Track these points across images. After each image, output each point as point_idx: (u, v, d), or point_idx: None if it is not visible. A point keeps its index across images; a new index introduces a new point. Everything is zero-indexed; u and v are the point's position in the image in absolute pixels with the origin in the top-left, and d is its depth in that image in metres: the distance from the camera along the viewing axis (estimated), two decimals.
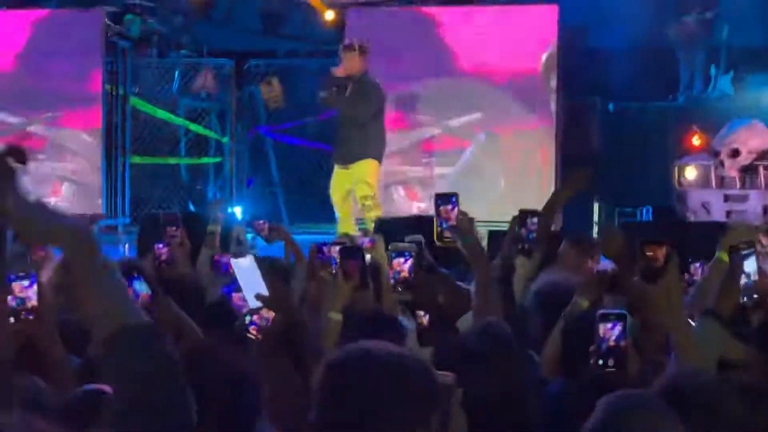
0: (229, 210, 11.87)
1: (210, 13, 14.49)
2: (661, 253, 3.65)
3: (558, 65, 11.96)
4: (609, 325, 3.04)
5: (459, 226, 3.97)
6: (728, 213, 10.98)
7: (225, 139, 13.30)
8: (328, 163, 13.07)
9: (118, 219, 12.41)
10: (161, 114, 13.12)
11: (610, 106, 13.09)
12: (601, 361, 3.03)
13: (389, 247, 4.42)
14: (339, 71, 9.75)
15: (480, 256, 3.95)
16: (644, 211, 12.07)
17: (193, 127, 13.35)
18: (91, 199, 12.27)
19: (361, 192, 9.50)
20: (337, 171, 9.90)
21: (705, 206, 11.08)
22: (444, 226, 4.01)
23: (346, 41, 10.12)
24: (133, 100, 12.88)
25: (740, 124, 11.27)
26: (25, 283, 3.22)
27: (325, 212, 13.11)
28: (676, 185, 11.49)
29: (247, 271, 3.43)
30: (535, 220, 4.30)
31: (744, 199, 11.10)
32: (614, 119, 13.11)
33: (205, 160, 13.49)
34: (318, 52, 13.38)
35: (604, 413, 2.39)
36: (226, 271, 4.74)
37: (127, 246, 10.07)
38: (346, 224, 9.63)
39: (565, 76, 12.05)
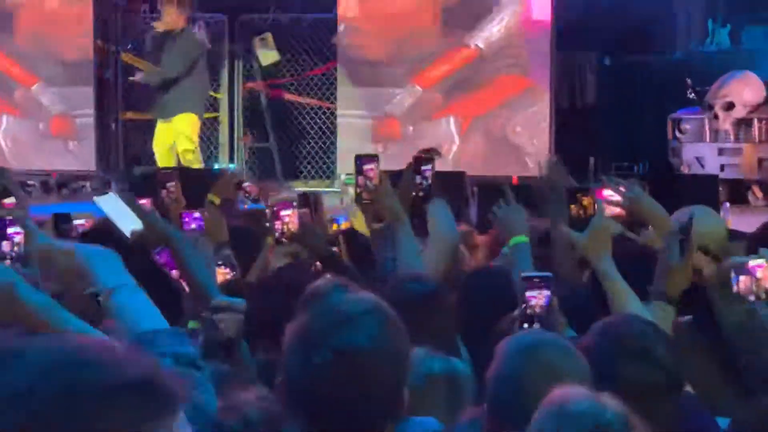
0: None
1: None
2: (589, 201, 3.78)
3: (552, 18, 11.88)
4: (535, 291, 3.00)
5: (378, 186, 4.02)
6: (722, 166, 10.95)
7: (219, 95, 13.22)
8: (322, 119, 13.16)
9: (111, 175, 12.37)
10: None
11: (606, 60, 13.01)
12: (525, 325, 2.99)
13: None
14: (159, 25, 10.01)
15: (399, 214, 3.99)
16: (640, 165, 12.06)
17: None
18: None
19: (182, 146, 9.72)
20: (159, 125, 10.08)
21: (699, 160, 11.05)
22: (369, 186, 4.06)
23: None
24: (126, 57, 12.78)
25: (734, 76, 11.20)
26: None
27: (319, 169, 13.17)
28: (670, 139, 11.46)
29: (113, 206, 3.47)
30: (430, 167, 4.28)
31: (738, 152, 11.07)
32: (610, 73, 13.04)
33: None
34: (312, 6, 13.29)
35: (508, 354, 2.38)
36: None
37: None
38: None
39: (559, 30, 11.96)
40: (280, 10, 13.52)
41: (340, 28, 12.44)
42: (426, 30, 12.27)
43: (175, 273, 3.49)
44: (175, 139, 9.93)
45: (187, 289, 3.31)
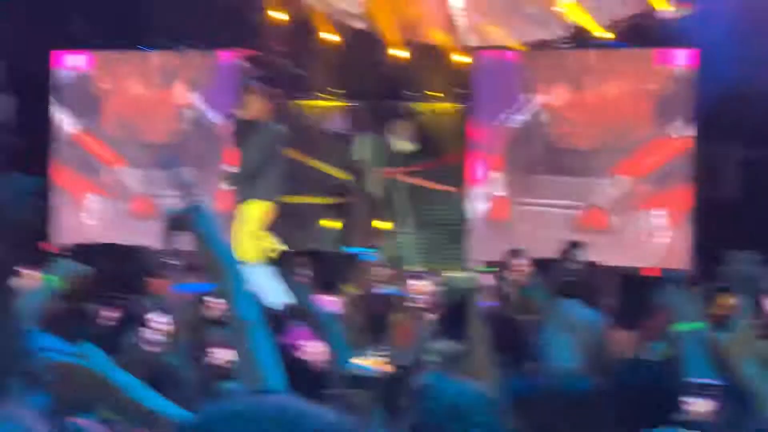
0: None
1: (346, 56, 14.58)
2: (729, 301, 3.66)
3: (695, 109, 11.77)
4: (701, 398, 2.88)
5: (526, 281, 4.06)
6: None
7: (353, 179, 13.34)
8: (450, 203, 13.16)
9: None
10: (292, 153, 13.23)
11: (748, 153, 12.72)
12: None
13: None
14: (241, 114, 9.89)
15: (547, 308, 4.02)
16: None
17: (322, 166, 13.43)
18: None
19: (249, 227, 9.78)
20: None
21: None
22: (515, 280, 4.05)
23: (247, 84, 10.34)
24: None
25: None
26: None
27: (450, 255, 13.12)
28: None
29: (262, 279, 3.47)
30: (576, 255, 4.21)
31: None
32: (752, 166, 12.74)
33: (333, 200, 13.53)
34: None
35: None
36: None
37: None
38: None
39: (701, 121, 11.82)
40: (414, 98, 13.65)
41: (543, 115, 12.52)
42: (636, 119, 12.22)
43: (305, 350, 3.50)
44: (245, 222, 10.01)
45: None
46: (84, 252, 10.55)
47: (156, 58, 13.31)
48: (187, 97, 13.23)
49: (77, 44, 13.38)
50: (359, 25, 13.75)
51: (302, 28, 14.43)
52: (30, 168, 11.80)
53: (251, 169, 9.86)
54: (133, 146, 13.07)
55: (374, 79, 13.45)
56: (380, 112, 13.52)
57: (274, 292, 4.09)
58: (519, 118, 12.66)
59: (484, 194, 12.81)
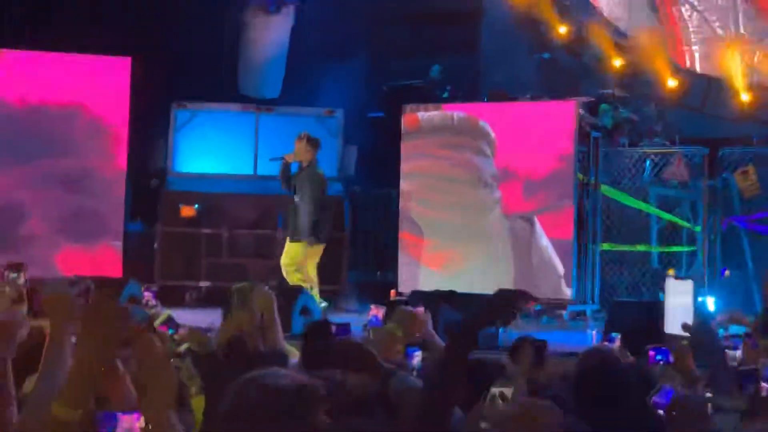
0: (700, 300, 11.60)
1: (683, 101, 14.40)
2: None
3: None
4: None
5: None
6: None
7: (697, 228, 13.07)
8: None
9: (587, 305, 12.56)
10: (632, 202, 13.15)
11: None
12: None
13: None
14: (289, 158, 11.29)
15: None
16: None
17: (665, 215, 13.25)
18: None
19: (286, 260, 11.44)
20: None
21: None
22: None
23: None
24: (604, 188, 13.04)
25: None
26: None
27: None
28: None
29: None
30: None
31: None
32: None
33: (676, 248, 13.31)
34: None
35: None
36: None
37: (594, 332, 10.13)
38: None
39: None
40: (762, 142, 13.22)
41: None
42: None
43: None
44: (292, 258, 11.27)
45: None
46: None
47: None
48: None
49: None
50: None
51: (640, 74, 14.39)
52: None
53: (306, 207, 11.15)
54: None
55: (717, 125, 13.20)
56: (725, 157, 13.19)
57: None
58: None
59: None
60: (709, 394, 4.26)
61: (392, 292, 12.61)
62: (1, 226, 12.81)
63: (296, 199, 11.32)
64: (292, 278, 11.28)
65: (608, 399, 3.84)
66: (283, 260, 11.46)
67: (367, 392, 3.58)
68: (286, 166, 11.42)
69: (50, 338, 3.03)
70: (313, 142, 11.37)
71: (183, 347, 4.95)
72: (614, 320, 9.86)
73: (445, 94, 14.50)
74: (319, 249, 11.48)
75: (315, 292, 11.10)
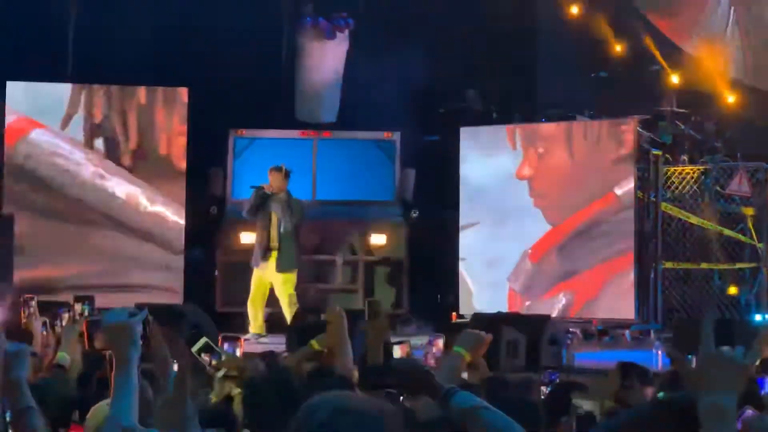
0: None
1: (744, 116, 14.22)
2: None
3: None
4: None
5: None
6: None
7: (761, 245, 12.87)
8: None
9: (650, 324, 12.42)
10: (694, 219, 13.00)
11: None
12: None
13: None
14: (267, 188, 11.81)
15: None
16: None
17: (727, 232, 13.07)
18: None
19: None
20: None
21: None
22: None
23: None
24: (665, 206, 12.90)
25: None
26: None
27: None
28: None
29: None
30: None
31: None
32: None
33: (739, 265, 13.11)
34: None
35: None
36: None
37: (659, 352, 10.00)
38: None
39: None
40: None
41: None
42: None
43: None
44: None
45: None
46: None
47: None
48: None
49: None
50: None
51: (699, 89, 14.26)
52: None
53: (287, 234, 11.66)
54: None
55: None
56: None
57: None
58: None
59: None
60: None
61: (453, 315, 12.57)
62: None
63: (282, 223, 11.71)
64: (292, 311, 11.46)
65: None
66: (289, 290, 11.63)
67: (430, 414, 3.54)
68: (264, 196, 11.69)
69: (117, 365, 3.19)
70: (288, 173, 11.88)
71: (220, 374, 4.98)
72: (679, 339, 9.73)
73: (494, 115, 14.45)
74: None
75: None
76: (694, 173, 13.32)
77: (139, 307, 3.44)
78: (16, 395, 3.50)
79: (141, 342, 3.21)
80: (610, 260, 12.59)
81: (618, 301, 12.45)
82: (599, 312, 12.55)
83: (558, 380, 5.55)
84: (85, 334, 4.42)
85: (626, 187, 12.59)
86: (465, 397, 3.14)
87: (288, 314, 11.50)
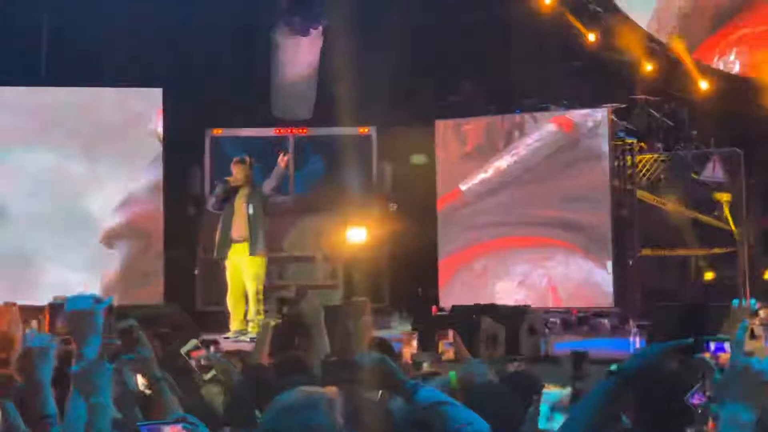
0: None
1: (717, 102, 14.31)
2: None
3: None
4: None
5: None
6: None
7: (736, 230, 12.97)
8: None
9: (628, 311, 12.50)
10: (670, 206, 13.08)
11: None
12: None
13: None
14: (231, 180, 11.65)
15: None
16: None
17: (703, 218, 13.17)
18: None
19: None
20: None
21: None
22: None
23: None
24: (640, 194, 12.99)
25: None
26: None
27: None
28: None
29: None
30: None
31: None
32: None
33: (716, 250, 13.22)
34: None
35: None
36: None
37: (637, 338, 10.08)
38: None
39: None
40: None
41: None
42: None
43: None
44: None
45: None
46: None
47: None
48: None
49: None
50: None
51: (672, 78, 14.33)
52: None
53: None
54: None
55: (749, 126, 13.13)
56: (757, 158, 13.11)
57: None
58: None
59: None
60: None
61: (433, 308, 12.62)
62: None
63: (250, 211, 11.62)
64: (258, 290, 11.48)
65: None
66: (258, 285, 11.60)
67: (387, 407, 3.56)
68: (229, 189, 11.68)
69: (75, 351, 3.04)
70: (252, 164, 11.89)
71: (209, 375, 4.98)
72: (657, 325, 9.81)
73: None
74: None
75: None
76: (668, 160, 13.41)
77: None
78: (39, 400, 3.27)
79: (105, 331, 3.04)
80: (587, 248, 12.67)
81: (597, 290, 12.54)
82: (578, 301, 12.63)
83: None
84: (47, 317, 4.38)
85: (601, 176, 12.67)
86: (429, 393, 3.16)
87: (253, 309, 11.44)
